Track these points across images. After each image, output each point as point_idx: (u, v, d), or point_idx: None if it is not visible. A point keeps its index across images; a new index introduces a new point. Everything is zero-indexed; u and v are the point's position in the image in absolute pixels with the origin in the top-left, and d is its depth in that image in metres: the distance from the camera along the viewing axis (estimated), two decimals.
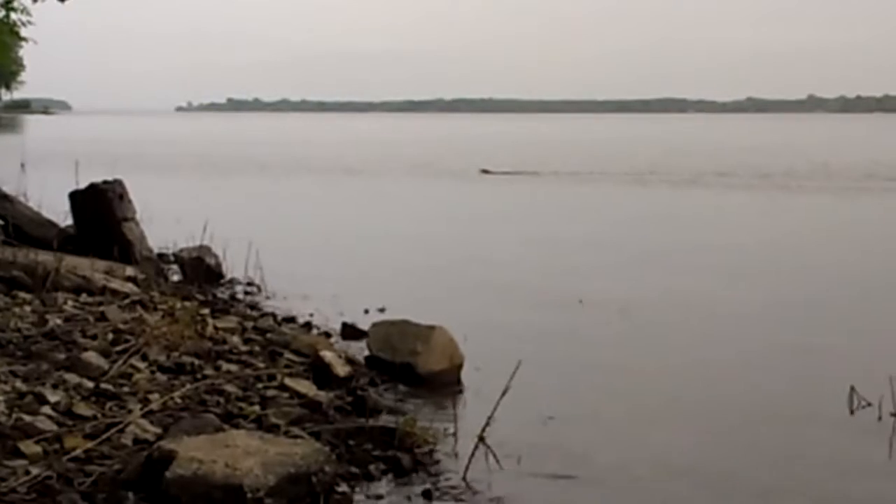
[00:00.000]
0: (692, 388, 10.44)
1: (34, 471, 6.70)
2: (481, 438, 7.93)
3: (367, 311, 13.22)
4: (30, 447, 7.04)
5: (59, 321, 10.55)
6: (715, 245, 21.04)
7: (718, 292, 15.64)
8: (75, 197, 15.01)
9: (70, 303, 11.51)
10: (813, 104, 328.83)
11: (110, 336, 10.05)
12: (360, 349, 11.04)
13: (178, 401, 8.41)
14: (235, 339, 10.71)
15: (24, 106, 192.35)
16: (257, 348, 10.49)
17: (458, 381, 10.38)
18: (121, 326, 10.39)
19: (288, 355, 10.30)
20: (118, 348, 9.58)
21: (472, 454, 7.79)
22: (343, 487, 7.18)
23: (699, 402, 9.99)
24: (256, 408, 8.48)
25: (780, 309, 14.50)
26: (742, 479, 7.85)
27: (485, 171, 42.88)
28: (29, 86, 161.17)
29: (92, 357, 9.07)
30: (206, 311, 11.80)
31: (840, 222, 27.14)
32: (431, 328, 10.59)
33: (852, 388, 9.67)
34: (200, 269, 14.93)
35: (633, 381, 10.73)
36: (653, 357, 11.72)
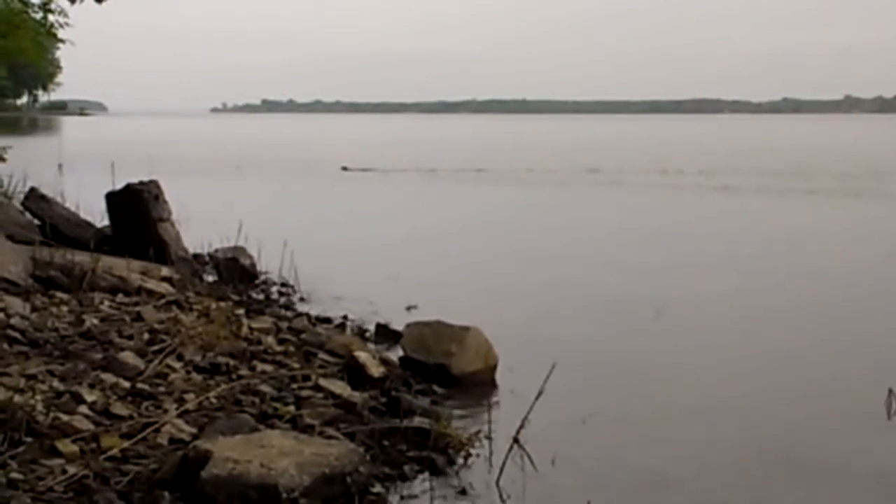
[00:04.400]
0: (727, 391, 10.36)
1: (71, 469, 6.74)
2: (516, 440, 7.91)
3: (399, 311, 13.22)
4: (67, 446, 7.09)
5: (95, 321, 10.61)
6: (749, 248, 20.90)
7: (753, 294, 15.54)
8: (111, 197, 15.11)
9: (106, 303, 11.58)
10: (850, 104, 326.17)
11: (146, 336, 10.11)
12: (394, 350, 11.04)
13: (214, 401, 8.44)
14: (270, 339, 10.74)
15: (61, 107, 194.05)
16: (292, 349, 10.51)
17: (493, 382, 10.36)
18: (156, 326, 10.44)
19: (322, 356, 10.32)
20: (154, 348, 9.63)
21: (507, 456, 7.78)
22: (377, 488, 7.18)
23: (735, 404, 9.91)
24: (291, 408, 8.49)
25: (817, 311, 14.39)
26: (779, 482, 7.79)
27: (344, 168, 43.98)
28: (65, 87, 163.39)
29: (128, 357, 9.12)
30: (240, 311, 11.85)
31: (885, 224, 26.84)
32: (466, 329, 10.58)
33: (890, 391, 9.58)
34: (235, 270, 14.99)
35: (669, 382, 10.68)
36: (688, 358, 11.65)
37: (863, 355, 11.80)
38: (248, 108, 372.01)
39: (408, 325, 11.09)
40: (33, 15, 21.45)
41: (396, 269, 17.17)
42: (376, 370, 9.73)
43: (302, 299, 14.38)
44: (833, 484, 7.85)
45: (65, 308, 11.12)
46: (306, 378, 9.41)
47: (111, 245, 14.65)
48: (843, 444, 8.78)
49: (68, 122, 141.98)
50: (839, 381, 10.77)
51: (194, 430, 7.66)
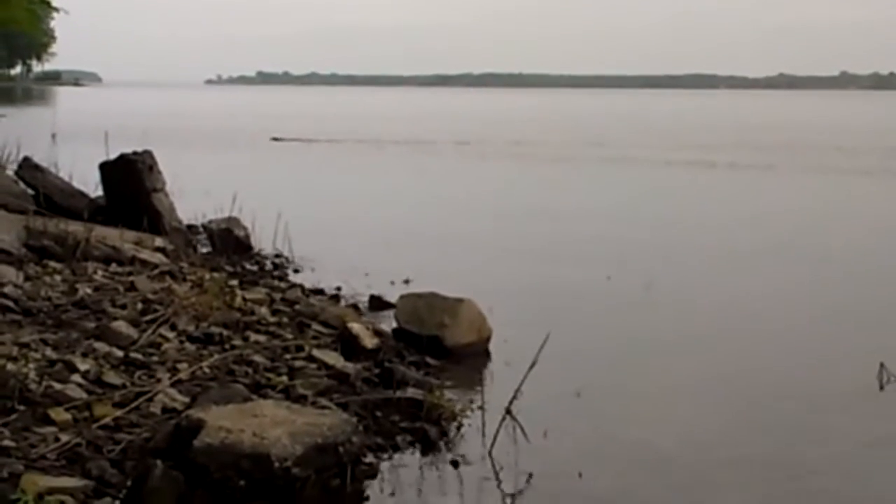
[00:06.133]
0: (720, 364, 10.40)
1: (64, 438, 6.76)
2: (508, 411, 7.93)
3: (393, 283, 13.23)
4: (60, 414, 7.09)
5: (88, 290, 10.61)
6: (745, 223, 20.92)
7: (747, 268, 15.56)
8: (105, 168, 15.06)
9: (100, 272, 11.57)
10: (846, 80, 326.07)
11: (139, 306, 10.10)
12: (387, 321, 11.05)
13: (207, 370, 8.46)
14: (264, 310, 10.74)
15: (55, 77, 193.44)
16: (285, 319, 10.51)
17: (486, 354, 10.38)
18: (150, 296, 10.44)
19: (316, 327, 10.32)
20: (147, 318, 9.63)
21: (499, 427, 7.80)
22: (370, 458, 7.21)
23: (727, 377, 9.94)
24: (284, 378, 8.52)
25: (810, 283, 14.42)
26: (770, 456, 7.81)
27: (275, 139, 44.57)
28: (60, 57, 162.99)
29: (121, 326, 9.12)
30: (234, 282, 11.84)
31: (881, 201, 26.85)
32: (459, 301, 10.58)
33: (882, 365, 9.60)
34: (229, 241, 14.96)
35: (661, 355, 10.70)
36: (681, 332, 11.67)
37: (855, 330, 11.83)
38: (243, 81, 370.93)
39: (401, 297, 11.10)
40: None
41: (390, 241, 17.17)
42: (370, 341, 9.74)
43: (296, 270, 14.36)
44: (826, 458, 7.87)
45: (58, 277, 11.11)
46: (300, 349, 9.42)
47: (105, 215, 14.62)
48: (835, 418, 8.81)
49: (62, 93, 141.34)
50: (832, 355, 10.79)
51: (187, 400, 7.67)
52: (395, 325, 10.74)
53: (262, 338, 9.69)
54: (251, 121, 61.98)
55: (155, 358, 8.62)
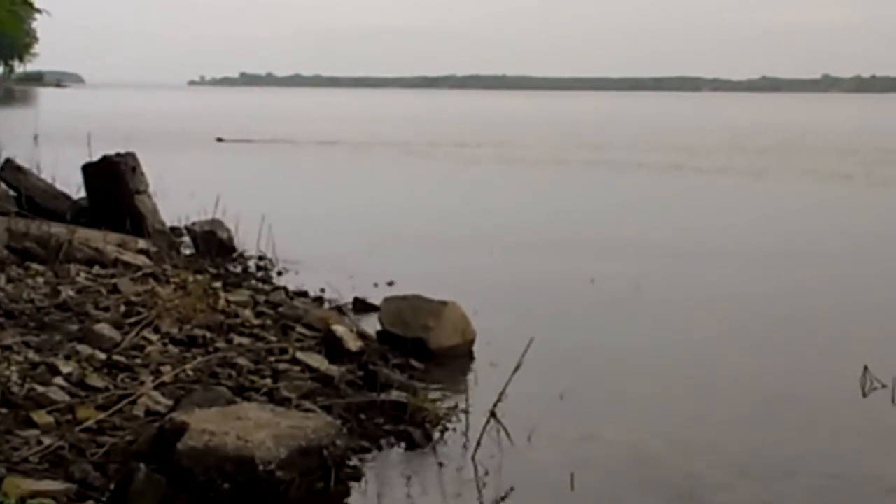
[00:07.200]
0: (704, 367, 10.41)
1: (46, 441, 6.72)
2: (493, 414, 7.93)
3: (377, 285, 13.22)
4: (42, 417, 7.06)
5: (71, 293, 10.55)
6: (731, 227, 20.98)
7: (733, 273, 15.59)
8: (88, 169, 15.00)
9: (83, 275, 11.51)
10: (828, 83, 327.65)
11: (123, 308, 10.05)
12: (371, 323, 11.03)
13: (190, 373, 8.42)
14: (247, 312, 10.70)
15: (37, 78, 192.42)
16: (269, 322, 10.48)
17: (470, 357, 10.38)
18: (133, 299, 10.39)
19: (300, 329, 10.30)
20: (130, 320, 9.58)
21: (484, 430, 7.80)
22: (354, 461, 7.20)
23: (711, 380, 9.97)
24: (268, 381, 8.49)
25: (794, 288, 14.46)
26: (753, 459, 7.83)
27: (219, 139, 44.81)
28: (42, 58, 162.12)
29: (104, 329, 9.08)
30: (218, 284, 11.78)
31: (864, 205, 26.94)
32: (443, 304, 10.57)
33: (865, 369, 9.63)
34: (213, 243, 14.92)
35: (646, 358, 10.72)
36: (666, 335, 11.69)
37: (840, 334, 11.87)
38: (226, 82, 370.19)
39: (385, 300, 11.08)
40: None
41: (374, 243, 17.14)
42: (353, 344, 9.73)
43: (280, 273, 14.34)
44: (808, 461, 7.89)
45: (41, 279, 11.05)
46: (283, 351, 9.40)
47: (88, 217, 14.56)
48: (819, 419, 8.85)
49: (44, 94, 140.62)
50: (814, 359, 10.83)
51: (170, 403, 7.64)
52: (379, 327, 10.72)
53: (245, 340, 9.66)
54: (244, 122, 61.86)
55: (138, 360, 8.58)
